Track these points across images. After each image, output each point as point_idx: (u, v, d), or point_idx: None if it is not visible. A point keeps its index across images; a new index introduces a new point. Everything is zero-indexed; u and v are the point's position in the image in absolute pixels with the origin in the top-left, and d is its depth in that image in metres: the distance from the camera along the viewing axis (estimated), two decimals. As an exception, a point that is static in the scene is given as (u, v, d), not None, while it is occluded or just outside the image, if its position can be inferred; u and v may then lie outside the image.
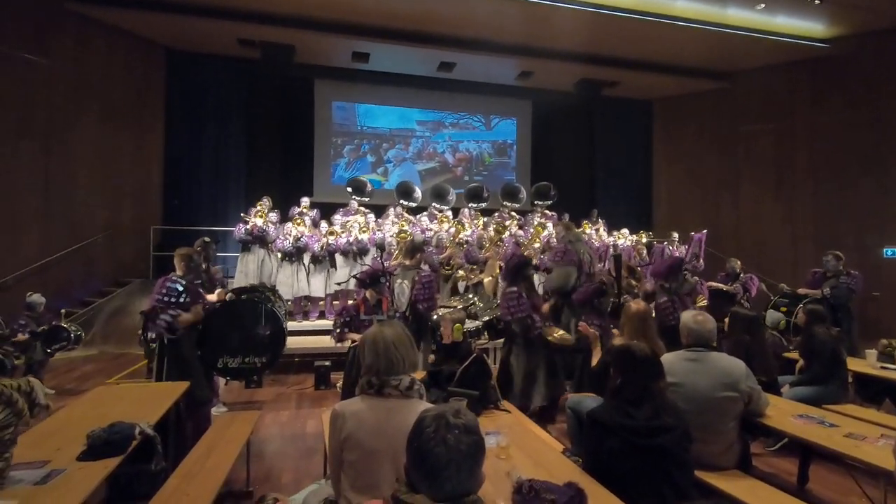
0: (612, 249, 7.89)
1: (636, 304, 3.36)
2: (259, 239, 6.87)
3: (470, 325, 4.78)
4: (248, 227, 6.81)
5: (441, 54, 9.73)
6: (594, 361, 3.39)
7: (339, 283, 6.94)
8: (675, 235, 8.46)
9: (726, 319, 3.87)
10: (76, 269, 8.11)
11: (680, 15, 8.47)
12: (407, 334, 1.84)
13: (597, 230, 8.71)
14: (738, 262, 6.79)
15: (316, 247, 7.00)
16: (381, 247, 7.09)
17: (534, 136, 12.17)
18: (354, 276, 5.07)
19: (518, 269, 4.37)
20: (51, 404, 2.12)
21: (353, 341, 4.01)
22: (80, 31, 8.17)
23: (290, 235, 6.94)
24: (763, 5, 8.24)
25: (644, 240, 8.65)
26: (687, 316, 2.84)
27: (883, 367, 4.20)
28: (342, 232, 7.17)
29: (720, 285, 6.58)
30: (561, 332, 4.28)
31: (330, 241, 7.06)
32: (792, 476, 3.36)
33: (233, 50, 9.48)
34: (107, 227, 8.50)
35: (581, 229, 8.22)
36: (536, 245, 7.39)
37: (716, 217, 11.04)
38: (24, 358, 5.17)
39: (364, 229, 7.16)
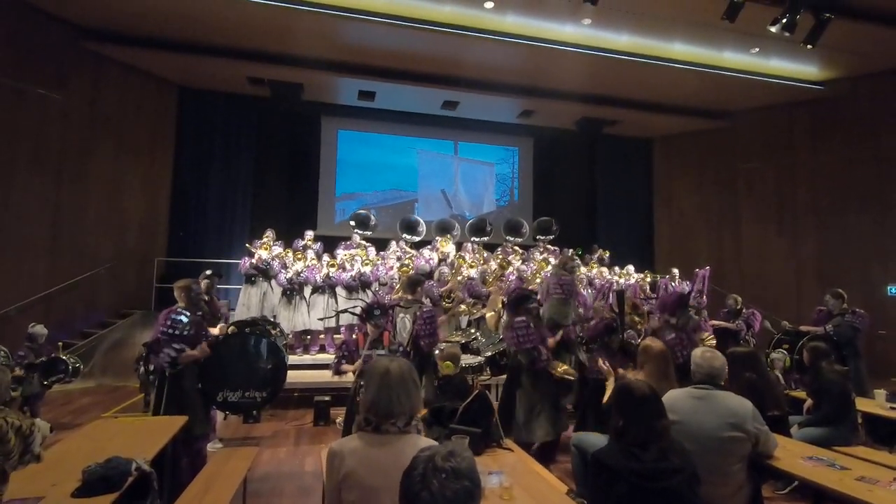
0: (614, 285, 7.88)
1: (657, 344, 3.30)
2: (263, 272, 6.92)
3: (472, 360, 4.75)
4: (254, 259, 6.86)
5: (445, 93, 10.01)
6: (606, 398, 3.34)
7: (320, 319, 6.90)
8: (676, 271, 8.45)
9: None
10: (80, 300, 8.13)
11: (677, 57, 8.73)
12: (413, 378, 1.79)
13: (599, 266, 8.69)
14: (739, 298, 6.74)
15: (318, 277, 7.02)
16: (382, 282, 7.10)
17: (535, 172, 12.35)
18: (345, 311, 5.10)
19: (519, 301, 4.37)
20: (43, 455, 2.04)
21: (353, 372, 3.97)
22: (95, 69, 8.45)
23: (290, 269, 6.97)
24: (757, 49, 8.50)
25: (648, 279, 8.63)
26: (696, 352, 2.82)
27: (893, 408, 4.12)
28: (347, 261, 7.21)
29: (723, 323, 6.54)
30: (564, 366, 4.24)
31: (332, 274, 7.08)
32: (804, 521, 3.26)
33: (243, 88, 9.78)
34: (112, 259, 8.56)
35: (583, 265, 8.24)
36: (539, 280, 7.39)
37: (718, 254, 11.06)
38: (21, 390, 5.11)
39: (367, 262, 7.19)
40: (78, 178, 8.22)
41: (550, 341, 4.32)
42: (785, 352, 5.82)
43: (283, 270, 6.97)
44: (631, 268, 8.69)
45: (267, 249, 7.02)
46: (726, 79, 9.17)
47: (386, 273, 7.17)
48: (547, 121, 11.42)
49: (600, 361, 3.72)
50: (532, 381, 4.12)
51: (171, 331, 3.64)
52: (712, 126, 11.22)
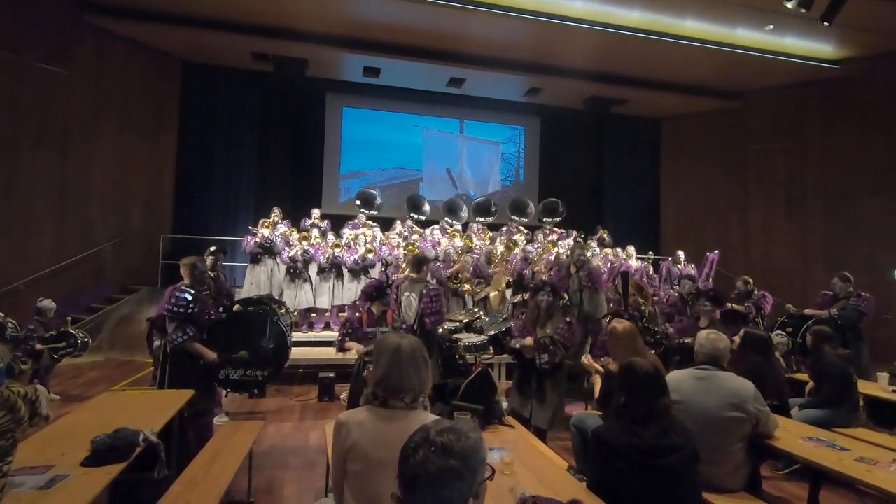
0: (621, 267, 7.85)
1: (621, 325, 3.27)
2: (268, 250, 6.92)
3: (475, 339, 4.77)
4: (258, 238, 6.86)
5: (451, 70, 9.85)
6: (596, 392, 3.34)
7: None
8: (682, 254, 8.39)
9: (736, 338, 3.84)
10: (86, 275, 8.20)
11: (689, 35, 8.52)
12: (423, 356, 1.80)
13: (601, 247, 8.62)
14: (751, 280, 6.62)
15: (322, 258, 7.04)
16: (386, 262, 7.11)
17: (541, 152, 12.23)
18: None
19: (534, 292, 4.41)
20: (51, 415, 2.11)
21: (359, 352, 4.00)
22: (99, 44, 8.37)
23: (294, 248, 6.97)
24: (772, 26, 8.28)
25: (651, 269, 8.45)
26: (701, 334, 2.83)
27: (895, 391, 4.13)
28: (352, 241, 7.22)
29: (732, 305, 6.47)
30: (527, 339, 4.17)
31: (336, 254, 7.09)
32: (802, 501, 3.28)
33: (246, 63, 9.66)
34: (118, 235, 8.60)
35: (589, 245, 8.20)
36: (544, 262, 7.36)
37: (725, 237, 10.97)
38: (31, 363, 5.21)
39: (371, 249, 7.16)
40: (83, 154, 8.22)
41: (528, 340, 4.11)
42: (786, 335, 5.80)
43: (286, 248, 6.98)
44: (631, 249, 8.59)
45: (269, 228, 7.00)
46: (738, 57, 8.95)
47: (390, 254, 7.17)
48: (554, 99, 11.24)
49: (585, 359, 3.65)
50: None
51: (175, 308, 3.67)
52: (722, 106, 11.01)
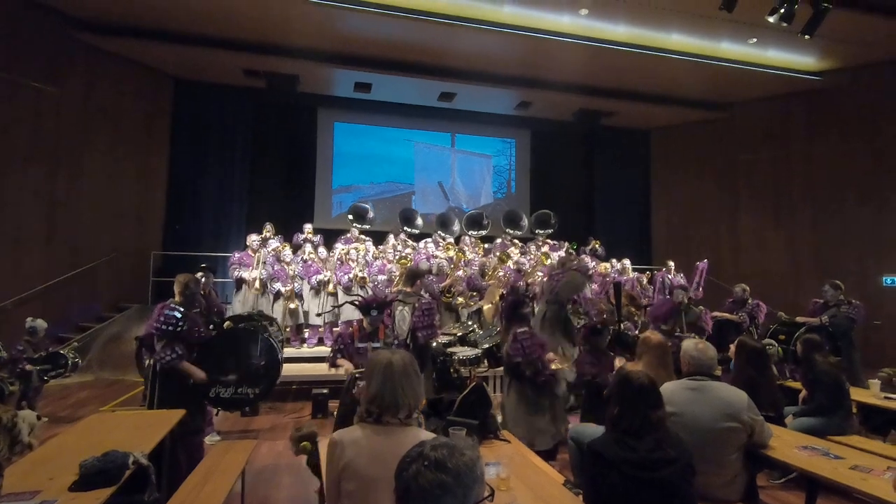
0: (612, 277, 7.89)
1: (655, 336, 3.33)
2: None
3: (469, 353, 4.75)
4: (248, 275, 6.68)
5: (441, 85, 9.95)
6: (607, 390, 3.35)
7: (318, 314, 6.95)
8: (672, 264, 8.45)
9: (732, 347, 3.87)
10: (76, 294, 8.10)
11: (675, 48, 8.68)
12: (415, 370, 1.81)
13: (593, 258, 8.65)
14: (748, 288, 6.64)
15: (314, 280, 7.01)
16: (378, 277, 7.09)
17: (532, 164, 12.33)
18: (346, 303, 5.10)
19: (515, 308, 4.37)
20: (35, 443, 2.03)
21: (348, 371, 3.96)
22: (89, 61, 8.37)
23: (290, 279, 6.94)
24: (755, 39, 8.46)
25: (646, 280, 8.52)
26: (688, 344, 2.82)
27: (887, 398, 4.15)
28: (343, 257, 7.20)
29: (726, 315, 6.51)
30: (555, 359, 4.23)
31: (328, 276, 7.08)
32: (798, 510, 3.29)
33: (238, 80, 9.70)
34: (108, 252, 8.52)
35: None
36: (540, 274, 7.37)
37: (715, 246, 11.07)
38: (20, 384, 5.11)
39: (363, 277, 7.08)
40: (73, 171, 8.17)
41: (550, 355, 4.26)
42: (775, 343, 5.83)
43: (276, 264, 6.94)
44: (627, 262, 8.63)
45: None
46: (724, 69, 9.12)
47: (380, 271, 7.13)
48: (544, 112, 11.37)
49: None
50: (535, 392, 4.13)
51: (163, 326, 3.62)
52: (709, 117, 11.19)
